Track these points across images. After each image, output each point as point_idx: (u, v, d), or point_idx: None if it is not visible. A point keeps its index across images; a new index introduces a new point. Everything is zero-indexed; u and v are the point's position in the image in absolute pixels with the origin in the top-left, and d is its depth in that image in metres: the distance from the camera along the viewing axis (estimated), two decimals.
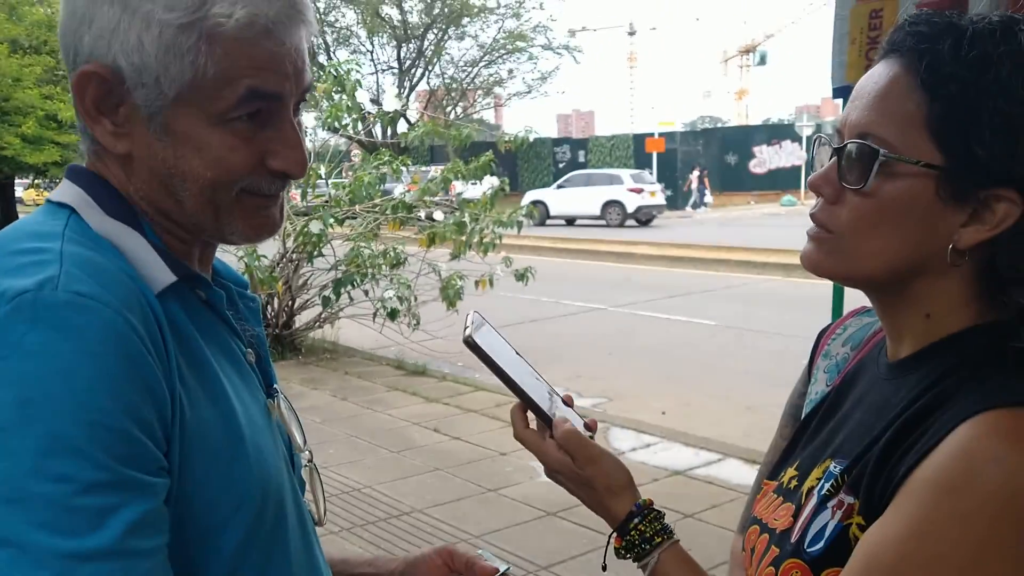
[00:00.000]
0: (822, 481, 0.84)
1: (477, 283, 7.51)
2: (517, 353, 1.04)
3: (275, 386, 0.96)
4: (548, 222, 24.05)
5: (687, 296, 11.60)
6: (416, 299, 7.47)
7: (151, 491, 0.71)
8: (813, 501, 0.84)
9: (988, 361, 0.78)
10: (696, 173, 30.26)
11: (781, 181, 31.05)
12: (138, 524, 0.68)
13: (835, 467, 0.84)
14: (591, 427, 1.03)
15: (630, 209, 23.73)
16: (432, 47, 32.81)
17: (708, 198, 30.30)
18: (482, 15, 31.76)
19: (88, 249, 0.77)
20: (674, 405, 6.46)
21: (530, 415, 1.02)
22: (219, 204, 0.82)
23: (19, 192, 16.15)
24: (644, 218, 24.01)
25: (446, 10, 31.04)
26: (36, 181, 14.13)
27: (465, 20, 31.79)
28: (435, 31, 32.27)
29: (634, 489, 1.00)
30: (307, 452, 0.99)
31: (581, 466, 0.98)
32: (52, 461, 0.66)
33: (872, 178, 0.79)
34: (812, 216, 0.86)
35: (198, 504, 0.77)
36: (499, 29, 32.49)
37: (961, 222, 0.78)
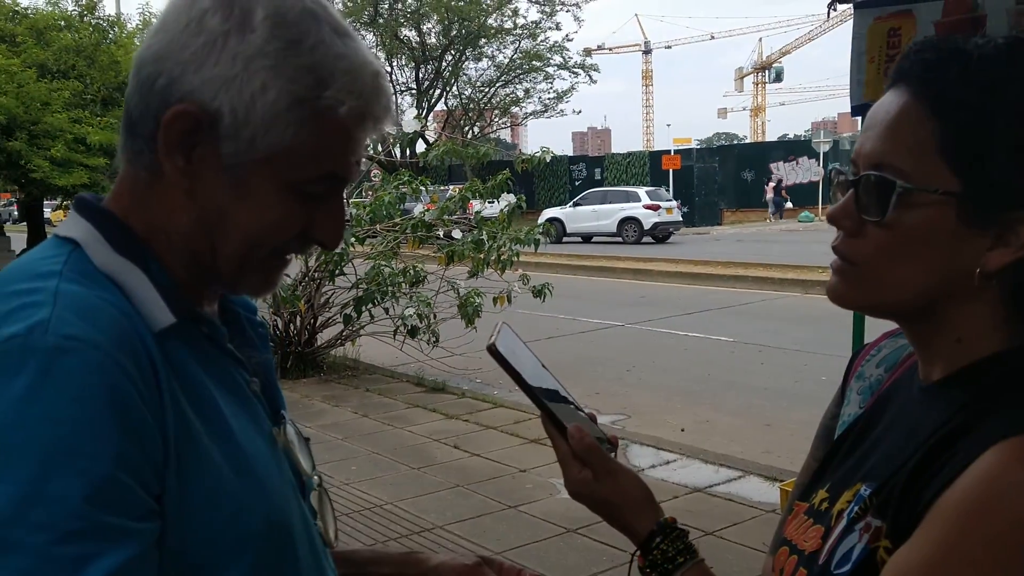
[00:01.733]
0: (852, 504, 0.84)
1: (495, 300, 7.57)
2: (544, 367, 1.04)
3: (282, 412, 0.96)
4: (565, 239, 24.09)
5: (704, 312, 11.59)
6: (435, 316, 7.54)
7: (135, 537, 0.70)
8: (842, 524, 0.84)
9: (1017, 386, 0.78)
10: (772, 184, 30.39)
11: (799, 197, 30.97)
12: (118, 571, 0.67)
13: (865, 490, 0.83)
14: (612, 443, 1.03)
15: (647, 226, 23.74)
16: (450, 68, 33.09)
17: (787, 204, 30.57)
18: (499, 36, 32.01)
19: (85, 287, 0.76)
20: (693, 422, 6.47)
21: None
22: (251, 260, 0.85)
23: (47, 213, 16.37)
24: (661, 235, 24.00)
25: (463, 31, 31.31)
26: (65, 203, 14.35)
27: (482, 41, 32.05)
28: (453, 52, 32.55)
29: (655, 506, 0.99)
30: (316, 476, 0.99)
31: (600, 479, 0.98)
32: (31, 509, 0.65)
33: (891, 210, 0.79)
34: (834, 248, 0.86)
35: (201, 540, 0.77)
36: (516, 49, 32.74)
37: (987, 246, 0.78)
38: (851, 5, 3.15)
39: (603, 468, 0.99)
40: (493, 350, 0.97)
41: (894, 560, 0.75)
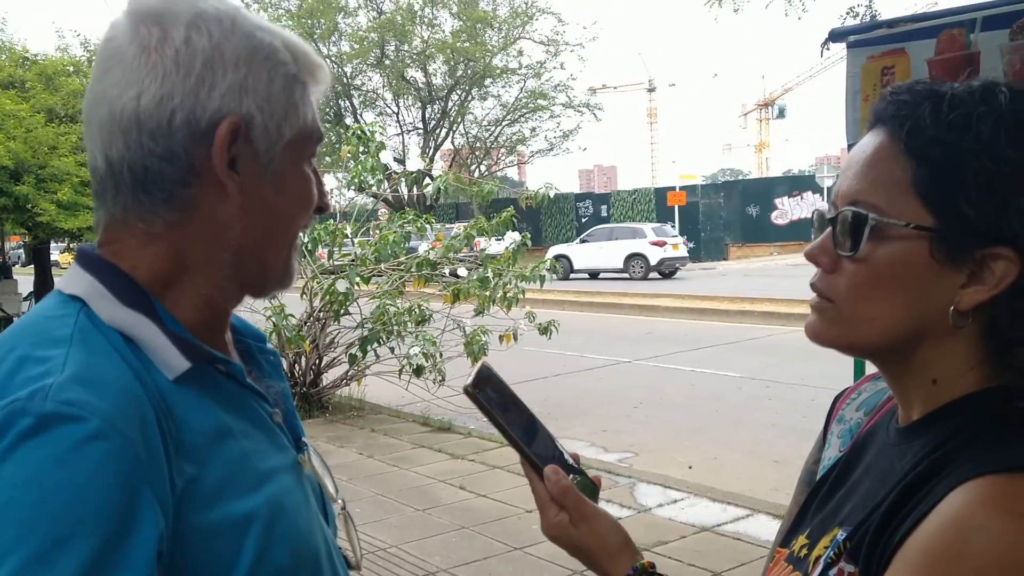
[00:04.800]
0: (828, 549, 0.83)
1: (501, 338, 7.55)
2: (524, 407, 1.03)
3: (303, 439, 0.97)
4: (572, 276, 24.11)
5: (712, 348, 11.54)
6: (441, 355, 7.52)
7: None
8: (818, 570, 0.83)
9: (990, 426, 0.77)
10: None
11: (803, 232, 30.96)
12: None
13: (841, 535, 0.82)
14: (595, 484, 1.02)
15: (653, 262, 23.76)
16: (456, 107, 33.40)
17: None
18: (504, 76, 32.35)
19: (93, 352, 0.76)
20: (701, 459, 6.40)
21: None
22: (293, 244, 0.92)
23: (55, 255, 16.47)
24: (667, 271, 24.01)
25: (469, 72, 31.66)
26: (71, 245, 14.43)
27: (488, 81, 32.39)
28: (459, 92, 32.88)
29: (631, 550, 0.98)
30: (340, 500, 1.00)
31: (575, 523, 0.97)
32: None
33: (864, 243, 0.80)
34: (812, 286, 0.86)
35: None
36: (521, 89, 33.05)
37: (960, 283, 0.77)
38: (844, 44, 3.17)
39: (578, 512, 0.97)
40: (469, 392, 0.98)
41: None
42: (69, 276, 0.85)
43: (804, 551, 0.89)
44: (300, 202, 0.90)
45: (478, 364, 1.02)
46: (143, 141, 0.81)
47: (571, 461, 1.03)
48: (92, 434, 0.69)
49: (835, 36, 3.19)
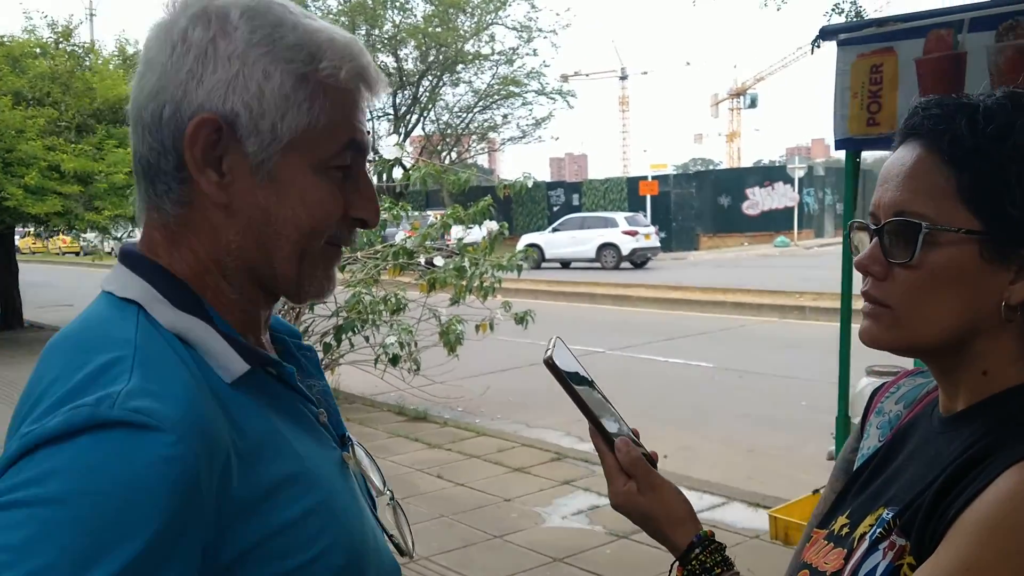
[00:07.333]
0: (874, 527, 0.88)
1: (477, 327, 7.55)
2: (592, 381, 1.08)
3: (348, 435, 0.98)
4: (544, 265, 24.15)
5: (684, 338, 11.64)
6: (416, 344, 7.51)
7: None
8: (865, 545, 0.88)
9: None
10: None
11: (774, 223, 31.30)
12: None
13: (888, 513, 0.88)
14: (653, 459, 1.07)
15: (625, 252, 23.86)
16: (427, 93, 33.23)
17: None
18: (476, 62, 32.22)
19: (157, 358, 0.76)
20: (675, 448, 6.45)
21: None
22: (308, 254, 0.86)
23: (17, 240, 16.18)
24: (639, 260, 24.14)
25: (441, 57, 31.50)
26: (36, 231, 14.19)
27: (460, 67, 32.24)
28: (430, 78, 32.70)
29: (695, 520, 1.04)
30: (388, 492, 1.02)
31: (643, 492, 1.03)
32: None
33: (918, 251, 0.85)
34: (865, 294, 0.91)
35: None
36: (493, 75, 32.95)
37: (1009, 280, 0.84)
38: (835, 42, 3.21)
39: (647, 482, 1.03)
40: (550, 363, 1.00)
41: (918, 573, 0.79)
42: (118, 278, 0.85)
43: (845, 530, 0.94)
44: (308, 210, 0.84)
45: (553, 338, 1.05)
46: (144, 134, 0.83)
47: (632, 436, 1.08)
48: (157, 443, 0.69)
49: (825, 34, 3.25)
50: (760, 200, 31.89)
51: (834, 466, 1.19)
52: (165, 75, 0.81)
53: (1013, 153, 0.82)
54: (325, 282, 0.90)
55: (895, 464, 0.97)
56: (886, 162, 0.91)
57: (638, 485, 1.03)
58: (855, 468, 1.07)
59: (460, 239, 7.98)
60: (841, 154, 3.45)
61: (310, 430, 0.89)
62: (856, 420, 3.64)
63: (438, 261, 7.96)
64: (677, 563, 1.03)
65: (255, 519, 0.76)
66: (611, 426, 1.05)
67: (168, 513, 0.68)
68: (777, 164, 39.56)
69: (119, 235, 14.33)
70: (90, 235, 14.70)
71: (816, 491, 4.15)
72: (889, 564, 0.84)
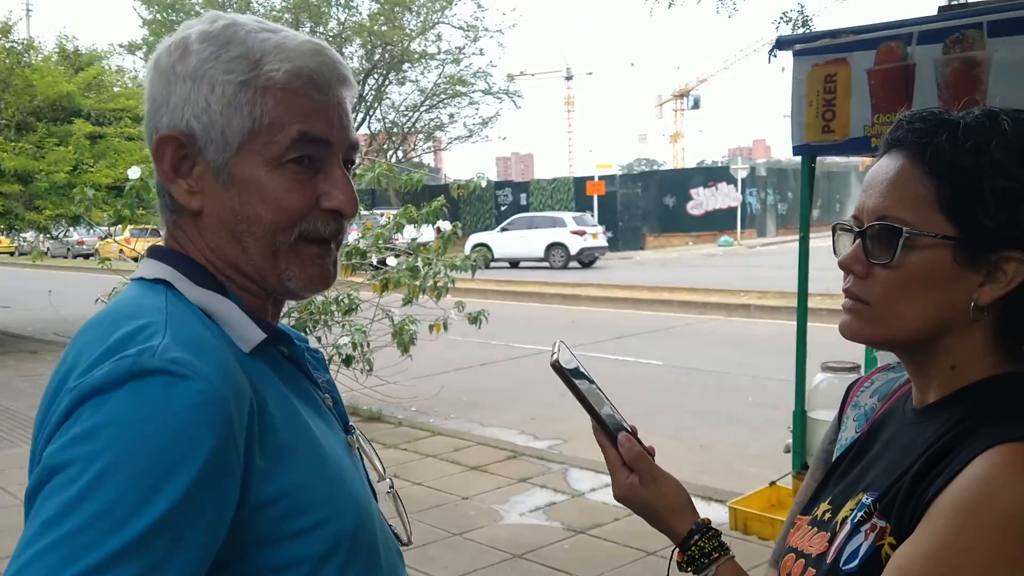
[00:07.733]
0: (855, 511, 0.95)
1: (431, 328, 7.56)
2: (592, 380, 1.14)
3: (350, 424, 1.05)
4: (492, 265, 24.18)
5: (633, 337, 11.80)
6: (369, 345, 7.48)
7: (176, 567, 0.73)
8: (847, 528, 0.95)
9: (1005, 404, 0.91)
10: None
11: (718, 222, 31.84)
12: None
13: (867, 498, 0.95)
14: (651, 452, 1.13)
15: (573, 251, 24.05)
16: (373, 92, 33.03)
17: None
18: (423, 60, 32.13)
19: (189, 322, 0.85)
20: None
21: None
22: (278, 248, 0.91)
23: None
24: (587, 260, 24.34)
25: (387, 56, 31.34)
26: None
27: (406, 65, 32.13)
28: (376, 76, 32.52)
29: (693, 509, 1.11)
30: (387, 480, 1.09)
31: (645, 484, 1.10)
32: (89, 532, 0.69)
33: (898, 253, 0.93)
34: (846, 291, 0.99)
35: (301, 544, 0.84)
36: (440, 74, 32.91)
37: (979, 282, 0.92)
38: (791, 52, 3.33)
39: (648, 474, 1.10)
40: (557, 366, 1.07)
41: (898, 553, 0.86)
42: (146, 266, 0.94)
43: (828, 515, 1.02)
44: (267, 206, 0.90)
45: (557, 342, 1.11)
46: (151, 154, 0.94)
47: (632, 433, 1.14)
48: (194, 390, 0.76)
49: (782, 44, 3.37)
50: (704, 200, 32.38)
51: (815, 457, 1.28)
52: (150, 100, 0.92)
53: (989, 168, 0.89)
54: (306, 279, 0.94)
55: (872, 453, 1.04)
56: (871, 170, 0.99)
57: (640, 478, 1.10)
58: (834, 458, 1.15)
59: (413, 239, 7.97)
60: (783, 155, 3.58)
61: (318, 410, 0.97)
62: (812, 414, 3.79)
63: (391, 261, 7.94)
64: (677, 549, 1.10)
65: (274, 474, 0.82)
66: (613, 423, 1.12)
67: (210, 451, 0.75)
68: (720, 165, 40.23)
69: (57, 234, 13.96)
70: (28, 234, 14.29)
71: (773, 483, 4.27)
72: (871, 545, 0.90)
